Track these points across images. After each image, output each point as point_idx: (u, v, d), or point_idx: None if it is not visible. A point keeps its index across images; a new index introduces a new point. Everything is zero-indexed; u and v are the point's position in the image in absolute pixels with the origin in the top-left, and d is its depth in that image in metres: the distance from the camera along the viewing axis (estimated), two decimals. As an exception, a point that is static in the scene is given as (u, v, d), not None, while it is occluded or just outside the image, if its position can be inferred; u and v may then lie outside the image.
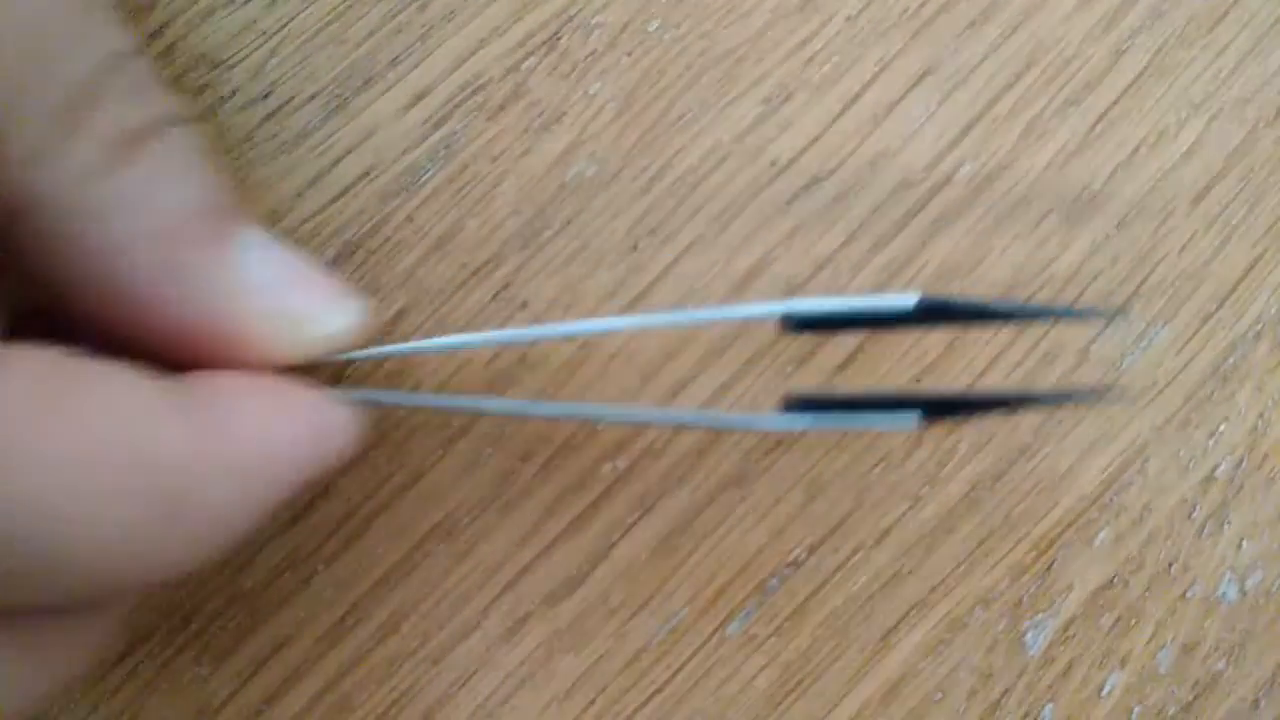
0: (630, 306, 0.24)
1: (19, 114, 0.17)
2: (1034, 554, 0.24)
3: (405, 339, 0.24)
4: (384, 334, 0.24)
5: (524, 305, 0.24)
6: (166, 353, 0.19)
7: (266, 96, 0.24)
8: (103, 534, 0.16)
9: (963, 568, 0.24)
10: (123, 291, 0.18)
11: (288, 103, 0.24)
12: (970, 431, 0.24)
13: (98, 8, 0.19)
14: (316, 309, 0.20)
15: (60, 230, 0.18)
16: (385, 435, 0.24)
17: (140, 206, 0.18)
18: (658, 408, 0.23)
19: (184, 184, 0.19)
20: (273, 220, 0.24)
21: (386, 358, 0.21)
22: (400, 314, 0.24)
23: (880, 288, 0.25)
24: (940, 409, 0.19)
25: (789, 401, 0.20)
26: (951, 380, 0.25)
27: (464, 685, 0.24)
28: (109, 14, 0.19)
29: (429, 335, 0.24)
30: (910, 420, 0.19)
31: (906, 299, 0.19)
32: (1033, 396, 0.21)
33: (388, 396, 0.22)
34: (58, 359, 0.16)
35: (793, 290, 0.25)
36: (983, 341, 0.25)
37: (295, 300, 0.20)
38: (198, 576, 0.23)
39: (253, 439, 0.18)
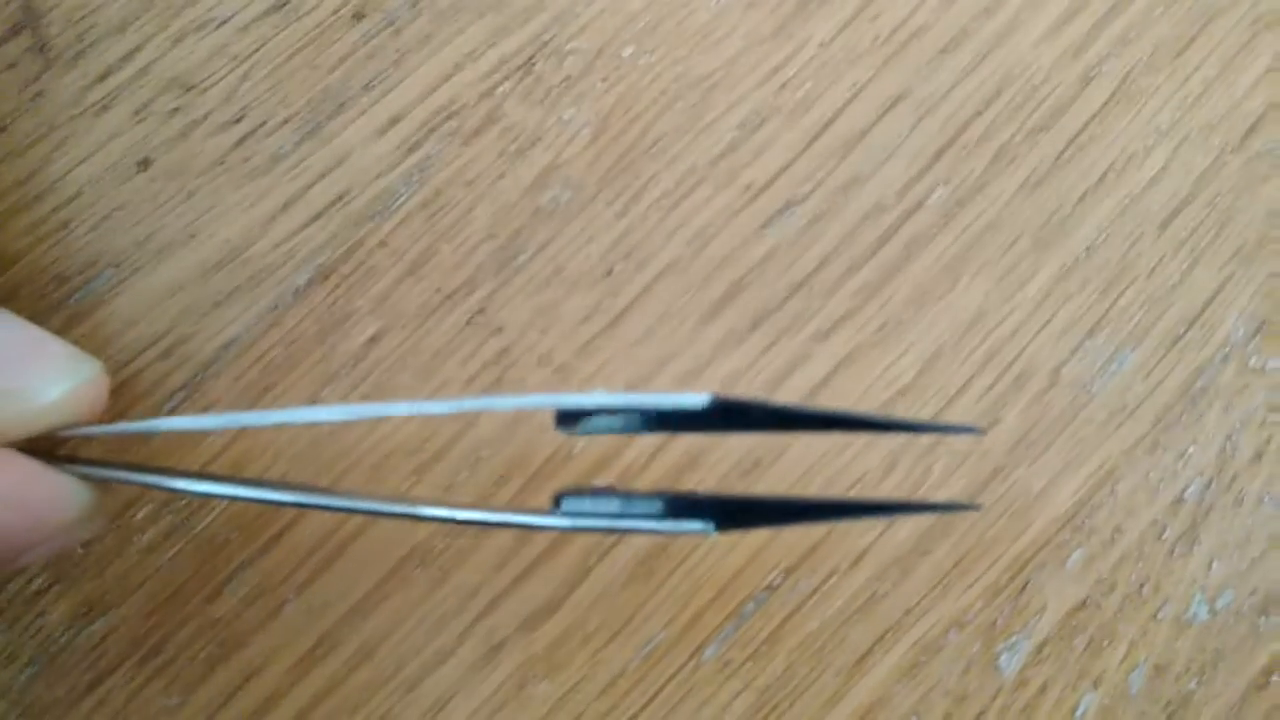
0: (606, 331, 0.24)
1: None
2: (1008, 576, 0.24)
3: (379, 363, 0.24)
4: (357, 358, 0.24)
5: (499, 330, 0.24)
6: None
7: (239, 121, 0.24)
8: None
9: (937, 590, 0.24)
10: None
11: (260, 127, 0.24)
12: (944, 454, 0.25)
13: None
14: (31, 382, 0.19)
15: None
16: (359, 461, 0.24)
17: None
18: (450, 508, 0.19)
19: None
20: (245, 244, 0.24)
21: (113, 435, 0.20)
22: (373, 339, 0.24)
23: (854, 311, 0.25)
24: (737, 516, 0.18)
25: (564, 506, 0.18)
26: (925, 400, 0.25)
27: (438, 713, 0.23)
28: None
29: (405, 359, 0.24)
30: (702, 527, 0.18)
31: (699, 398, 0.17)
32: (849, 505, 0.20)
33: (118, 473, 0.19)
34: None
35: (767, 314, 0.25)
36: (957, 363, 0.25)
37: (7, 375, 0.18)
38: (167, 607, 0.23)
39: None
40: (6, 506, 0.18)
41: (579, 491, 0.18)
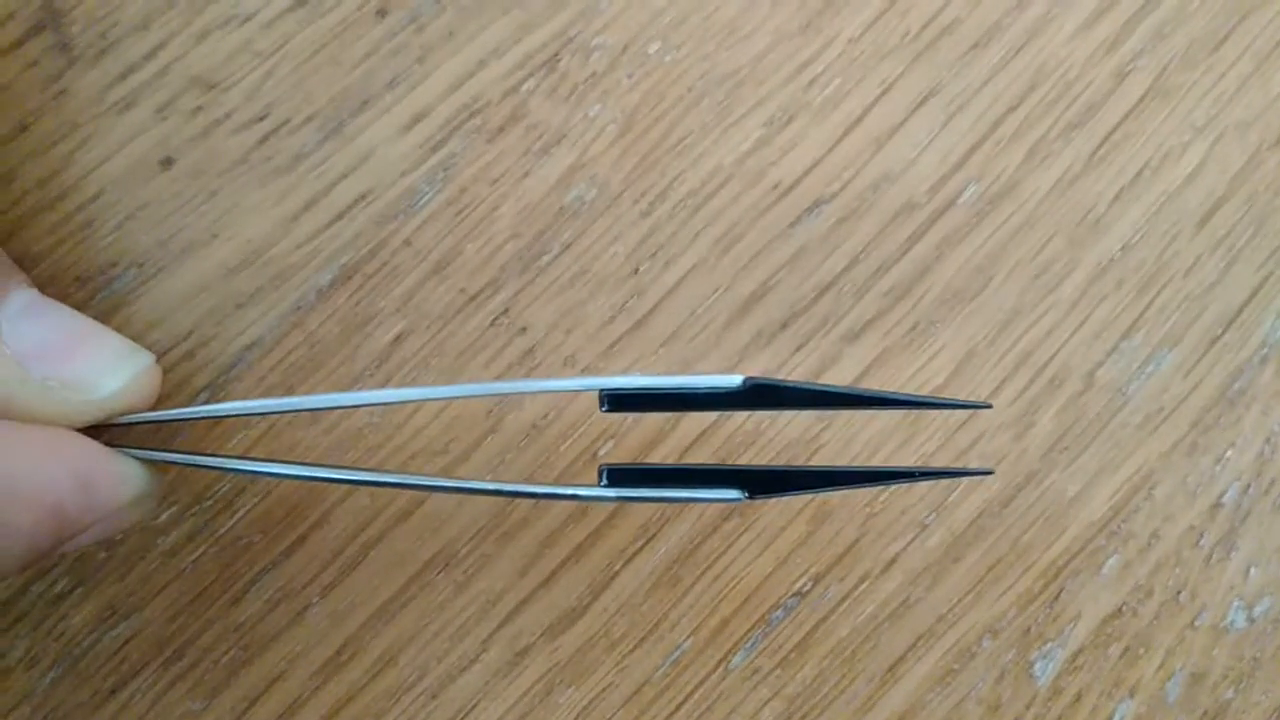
0: (631, 331, 0.24)
1: None
2: (1042, 582, 0.24)
3: (403, 364, 0.24)
4: (380, 359, 0.24)
5: (523, 330, 0.24)
6: None
7: (262, 119, 0.24)
8: None
9: (970, 597, 0.24)
10: None
11: (284, 125, 0.24)
12: (976, 458, 0.24)
13: None
14: (87, 373, 0.20)
15: None
16: (382, 463, 0.23)
17: None
18: (486, 482, 0.20)
19: None
20: (268, 244, 0.23)
21: (164, 423, 0.21)
22: (397, 339, 0.24)
23: (884, 312, 0.24)
24: (766, 485, 0.19)
25: (609, 473, 0.19)
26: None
27: None
28: None
29: (428, 360, 0.24)
30: (735, 495, 0.19)
31: (732, 379, 0.18)
32: (869, 472, 0.21)
33: (177, 457, 0.21)
34: None
35: (796, 315, 0.24)
36: (990, 364, 0.24)
37: (63, 367, 0.19)
38: (190, 610, 0.23)
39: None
40: (75, 486, 0.19)
41: (625, 466, 0.20)
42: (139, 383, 0.20)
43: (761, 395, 0.18)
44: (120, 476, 0.19)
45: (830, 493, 0.23)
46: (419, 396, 0.21)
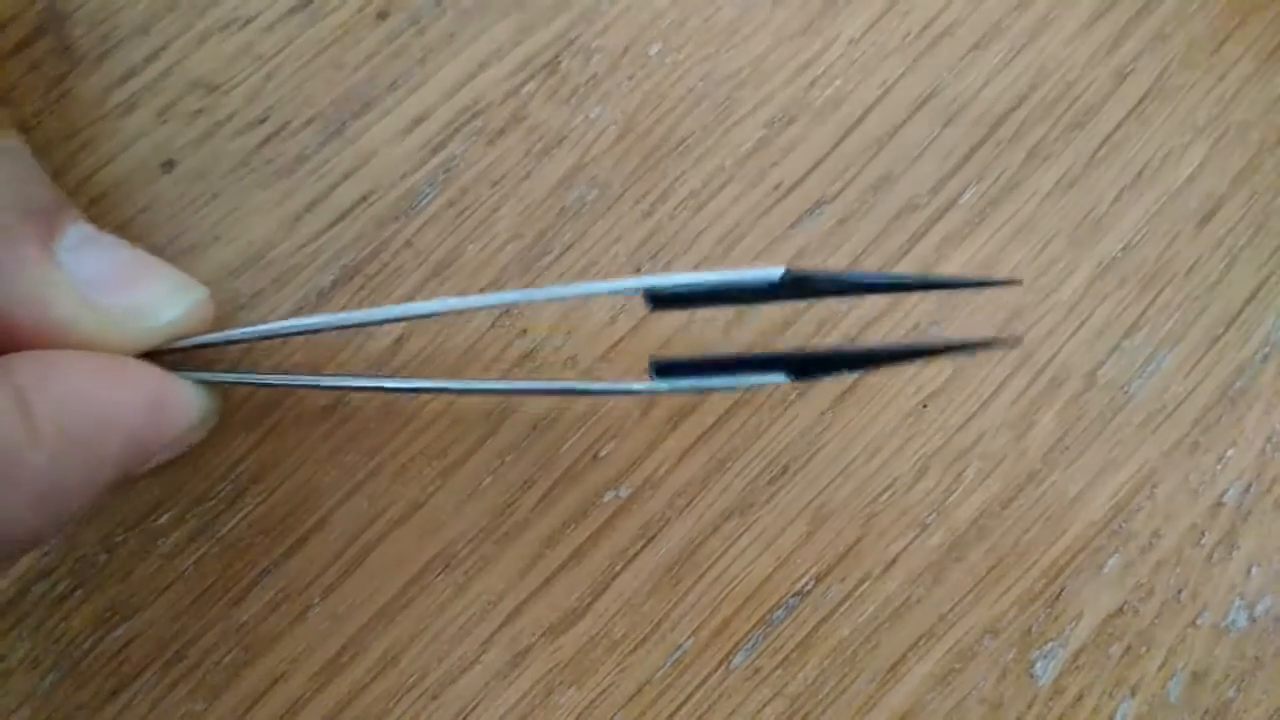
0: (632, 332, 0.24)
1: None
2: (1043, 582, 0.24)
3: (405, 365, 0.24)
4: (382, 360, 0.24)
5: (523, 332, 0.24)
6: None
7: (263, 121, 0.24)
8: None
9: (971, 596, 0.24)
10: None
11: (285, 127, 0.24)
12: (976, 458, 0.24)
13: None
14: (147, 301, 0.20)
15: None
16: (381, 465, 0.23)
17: None
18: (531, 381, 0.22)
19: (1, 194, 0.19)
20: (270, 245, 0.24)
21: (217, 345, 0.21)
22: (399, 340, 0.24)
23: (885, 313, 0.24)
24: (807, 367, 0.20)
25: (657, 367, 0.20)
26: (958, 404, 0.24)
27: (464, 720, 0.23)
28: None
29: (429, 361, 0.24)
30: (779, 378, 0.20)
31: (773, 271, 0.19)
32: (903, 350, 0.20)
33: (235, 377, 0.21)
34: None
35: (797, 314, 0.24)
36: (991, 364, 0.24)
37: (124, 294, 0.20)
38: (191, 611, 0.23)
39: (78, 397, 0.18)
40: (148, 411, 0.19)
41: (672, 360, 0.20)
42: (196, 312, 0.21)
43: (800, 285, 0.19)
44: (185, 400, 0.20)
45: (871, 373, 0.22)
46: (477, 305, 0.21)
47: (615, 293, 0.20)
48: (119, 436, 0.18)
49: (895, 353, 0.20)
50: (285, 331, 0.21)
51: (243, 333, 0.21)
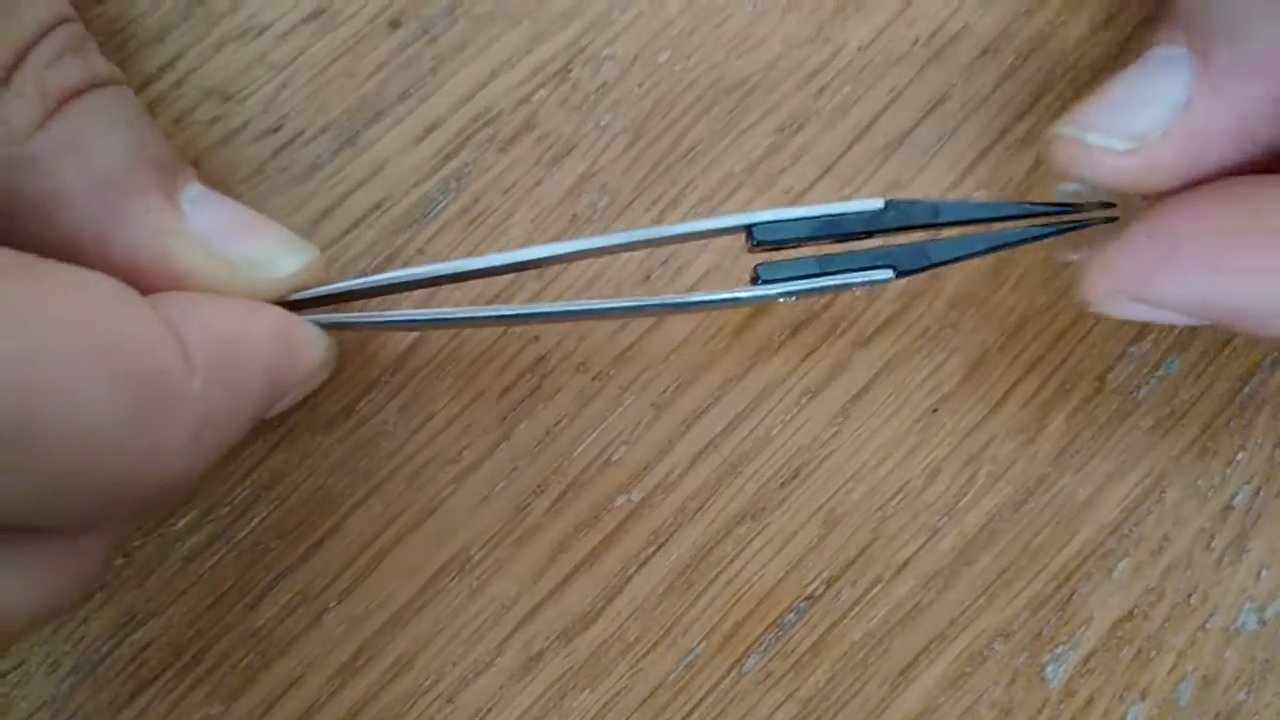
0: (643, 338, 0.24)
1: None
2: (1053, 585, 0.24)
3: (417, 371, 0.24)
4: (396, 366, 0.24)
5: (536, 338, 0.24)
6: None
7: (277, 130, 0.24)
8: (80, 415, 0.15)
9: (982, 600, 0.24)
10: (70, 239, 0.19)
11: (299, 136, 0.24)
12: (988, 461, 0.24)
13: None
14: (266, 254, 0.21)
15: (10, 180, 0.19)
16: (396, 470, 0.24)
17: (81, 157, 0.19)
18: (635, 298, 0.22)
19: (122, 137, 0.20)
20: (283, 253, 0.24)
21: (327, 298, 0.21)
22: (412, 347, 0.24)
23: (895, 316, 0.24)
24: (911, 263, 0.21)
25: (761, 274, 0.21)
26: (968, 408, 0.24)
27: (478, 723, 0.23)
28: None
29: (443, 367, 0.24)
30: (886, 274, 0.20)
31: (874, 201, 0.20)
32: (1002, 239, 0.21)
33: (353, 317, 0.22)
34: (10, 251, 0.16)
35: (807, 320, 0.24)
36: (1002, 369, 0.24)
37: (244, 246, 0.20)
38: (209, 615, 0.23)
39: (222, 330, 0.18)
40: (282, 349, 0.20)
41: (775, 262, 0.21)
42: (315, 267, 0.21)
43: (900, 214, 0.20)
44: (312, 339, 0.21)
45: (969, 259, 0.22)
46: (603, 245, 0.21)
47: (720, 231, 0.21)
48: (260, 369, 0.19)
49: (990, 244, 0.21)
50: (398, 280, 0.21)
51: (355, 284, 0.21)
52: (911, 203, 0.20)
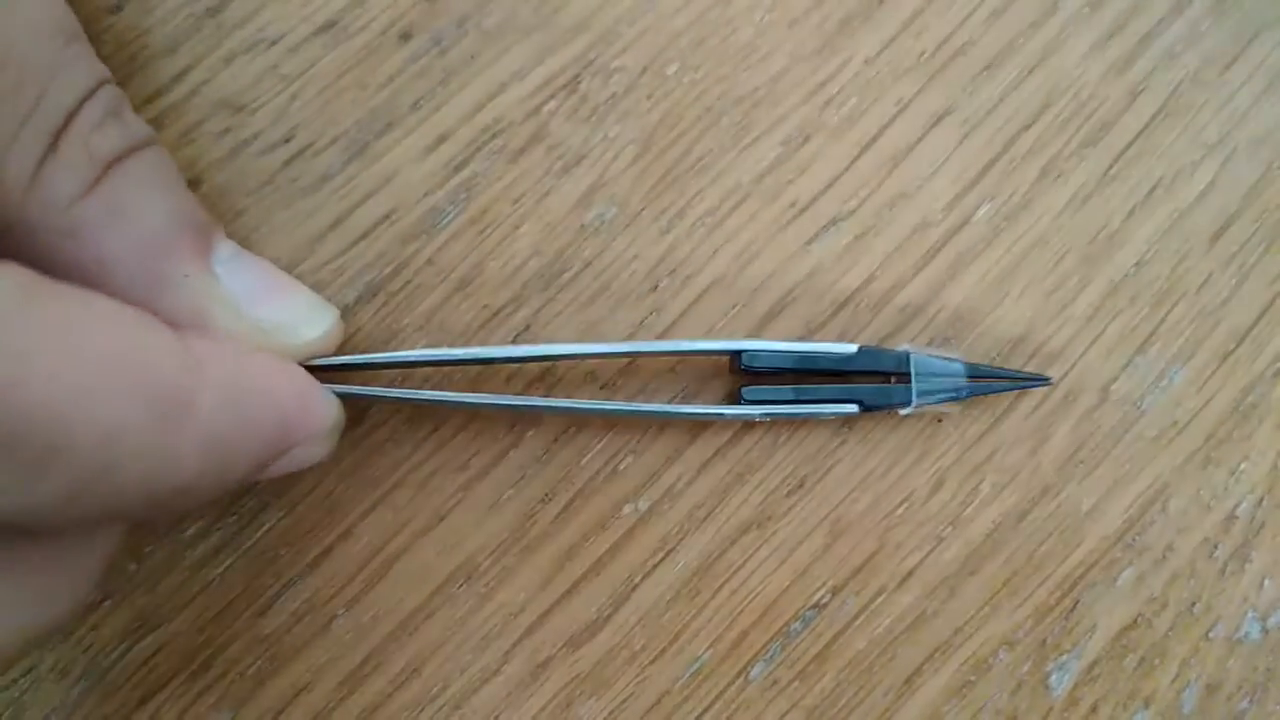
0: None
1: (8, 144, 0.18)
2: (1058, 594, 0.24)
3: (426, 381, 0.24)
4: (404, 375, 0.24)
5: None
6: None
7: (288, 141, 0.24)
8: (100, 424, 0.15)
9: (986, 609, 0.24)
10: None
11: (309, 147, 0.24)
12: (991, 471, 0.24)
13: (75, 40, 0.20)
14: (292, 319, 0.21)
15: (54, 246, 0.19)
16: (404, 478, 0.24)
17: (123, 223, 0.19)
18: (634, 403, 0.23)
19: (161, 201, 0.20)
20: (294, 263, 0.24)
21: (344, 367, 0.22)
22: (421, 356, 0.24)
23: (900, 328, 0.25)
24: (875, 401, 0.23)
25: (745, 395, 0.23)
26: (973, 418, 0.25)
27: (485, 730, 0.23)
28: (85, 46, 0.21)
29: (450, 377, 0.24)
30: (852, 409, 0.23)
31: (849, 346, 0.23)
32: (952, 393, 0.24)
33: (365, 390, 0.22)
34: (38, 275, 0.16)
35: (812, 331, 0.25)
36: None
37: (272, 310, 0.21)
38: (218, 622, 0.23)
39: (241, 366, 0.19)
40: (297, 403, 0.20)
41: (758, 386, 0.23)
42: (333, 334, 0.22)
43: (871, 359, 0.23)
44: (326, 404, 0.21)
45: (922, 408, 0.24)
46: (593, 350, 0.23)
47: (710, 353, 0.23)
48: (274, 414, 0.19)
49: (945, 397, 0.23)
50: (414, 361, 0.22)
51: (370, 358, 0.22)
52: (881, 351, 0.23)
